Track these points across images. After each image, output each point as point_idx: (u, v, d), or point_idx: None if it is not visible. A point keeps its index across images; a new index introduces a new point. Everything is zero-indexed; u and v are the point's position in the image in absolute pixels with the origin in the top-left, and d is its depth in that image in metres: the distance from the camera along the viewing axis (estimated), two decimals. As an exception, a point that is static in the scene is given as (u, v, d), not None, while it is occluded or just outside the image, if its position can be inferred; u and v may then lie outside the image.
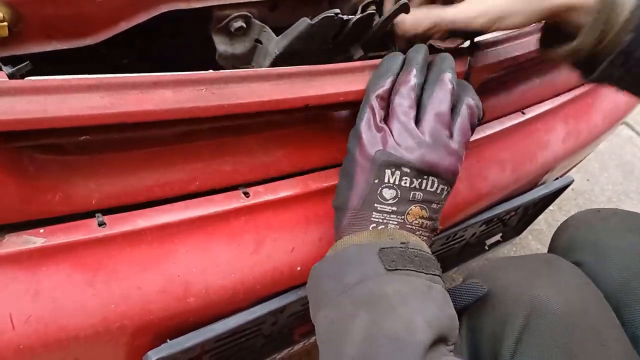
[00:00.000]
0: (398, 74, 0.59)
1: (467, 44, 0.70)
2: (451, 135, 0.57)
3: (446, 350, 0.49)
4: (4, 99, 0.42)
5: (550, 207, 1.07)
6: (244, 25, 0.63)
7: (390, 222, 0.56)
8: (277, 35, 0.63)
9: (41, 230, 0.51)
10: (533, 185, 0.95)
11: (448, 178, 0.57)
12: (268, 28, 0.64)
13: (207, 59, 0.66)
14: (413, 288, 0.50)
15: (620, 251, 0.68)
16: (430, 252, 0.56)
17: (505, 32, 0.73)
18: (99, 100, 0.46)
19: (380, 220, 0.56)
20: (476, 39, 0.71)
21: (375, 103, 0.57)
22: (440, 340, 0.48)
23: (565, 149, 0.94)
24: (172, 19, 0.58)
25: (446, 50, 0.67)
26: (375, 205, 0.56)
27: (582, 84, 1.00)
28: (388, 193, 0.55)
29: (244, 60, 0.67)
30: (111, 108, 0.46)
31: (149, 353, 0.56)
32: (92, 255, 0.52)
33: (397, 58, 0.60)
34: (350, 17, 0.63)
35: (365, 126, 0.57)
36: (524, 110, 0.90)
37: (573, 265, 0.67)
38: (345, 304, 0.51)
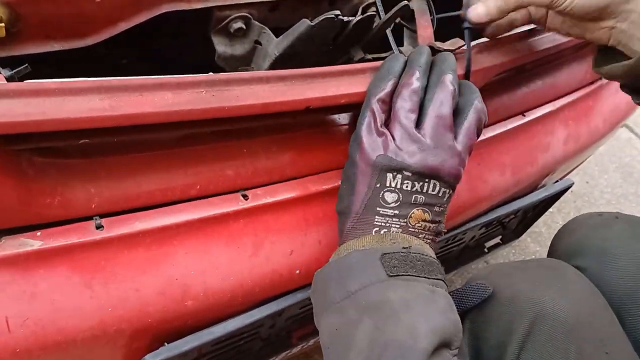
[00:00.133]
0: (399, 76, 0.58)
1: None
2: (455, 138, 0.57)
3: (449, 355, 0.49)
4: (2, 101, 0.42)
5: (550, 210, 1.07)
6: (244, 26, 0.63)
7: (393, 225, 0.55)
8: (276, 37, 0.63)
9: (38, 233, 0.50)
10: (533, 188, 0.95)
11: (450, 181, 0.57)
12: (268, 29, 0.64)
13: (207, 60, 0.66)
14: (416, 294, 0.50)
15: (624, 258, 0.67)
16: (433, 256, 0.56)
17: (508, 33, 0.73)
18: (99, 103, 0.45)
19: (383, 224, 0.55)
20: (476, 42, 0.71)
21: (375, 106, 0.57)
22: (443, 345, 0.48)
23: (566, 152, 0.94)
24: (173, 19, 0.58)
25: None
26: (378, 209, 0.55)
27: (584, 88, 1.00)
28: (390, 197, 0.55)
29: (244, 61, 0.67)
30: (111, 110, 0.46)
31: (147, 356, 0.55)
32: (90, 257, 0.52)
33: (398, 60, 0.60)
34: (350, 18, 0.63)
35: (366, 130, 0.56)
36: (525, 113, 0.90)
37: (578, 272, 0.67)
38: (348, 310, 0.51)
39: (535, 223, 1.10)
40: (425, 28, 0.70)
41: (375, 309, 0.49)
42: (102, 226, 0.53)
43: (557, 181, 1.02)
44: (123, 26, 0.56)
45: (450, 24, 0.70)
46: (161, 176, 0.56)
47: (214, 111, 0.51)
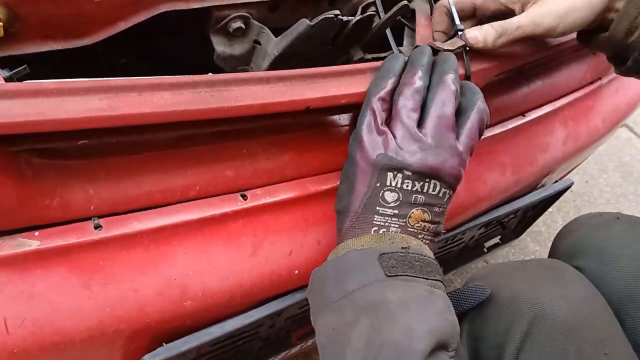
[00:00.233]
0: (400, 76, 0.58)
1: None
2: (457, 138, 0.57)
3: (446, 357, 0.49)
4: (1, 102, 0.42)
5: (549, 209, 1.07)
6: (243, 25, 0.63)
7: (392, 225, 0.55)
8: (276, 36, 0.62)
9: (36, 233, 0.50)
10: (533, 187, 0.95)
11: (450, 182, 0.57)
12: (267, 29, 0.63)
13: (206, 60, 0.65)
14: (413, 294, 0.50)
15: (625, 258, 0.67)
16: (432, 257, 0.55)
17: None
18: (97, 103, 0.45)
19: (382, 224, 0.55)
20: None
21: (376, 105, 0.56)
22: (440, 347, 0.48)
23: (565, 152, 0.94)
24: (171, 19, 0.58)
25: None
26: (377, 208, 0.55)
27: (583, 88, 0.99)
28: (390, 196, 0.55)
29: (243, 61, 0.67)
30: (109, 110, 0.45)
31: (145, 357, 0.55)
32: (88, 258, 0.52)
33: (398, 59, 0.59)
34: (350, 18, 0.63)
35: (366, 129, 0.56)
36: (525, 113, 0.89)
37: (578, 272, 0.67)
38: (345, 310, 0.51)
39: (535, 222, 1.10)
40: (425, 27, 0.70)
41: (373, 309, 0.49)
42: (101, 226, 0.53)
43: (556, 181, 1.02)
44: (122, 26, 0.56)
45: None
46: (160, 177, 0.56)
47: (213, 111, 0.51)
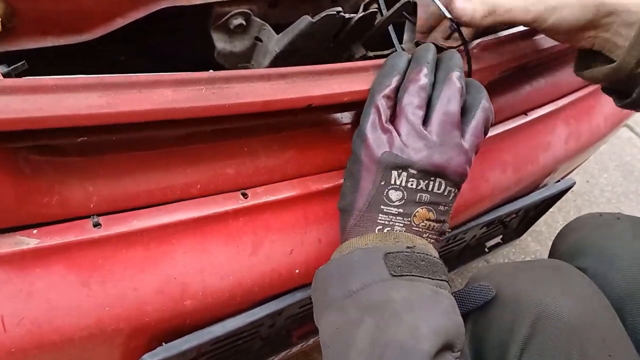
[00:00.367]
0: (404, 73, 0.58)
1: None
2: (463, 136, 0.56)
3: (452, 357, 0.48)
4: (-1, 98, 0.41)
5: (550, 209, 1.07)
6: (244, 22, 0.62)
7: (397, 224, 0.55)
8: (277, 33, 0.62)
9: (34, 231, 0.50)
10: (534, 187, 0.94)
11: (455, 180, 0.56)
12: (268, 26, 0.63)
13: (207, 56, 0.65)
14: (419, 294, 0.50)
15: (626, 258, 0.67)
16: (437, 256, 0.55)
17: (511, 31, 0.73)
18: (97, 100, 0.45)
19: (387, 222, 0.55)
20: (478, 40, 0.70)
21: (381, 102, 0.56)
22: (446, 347, 0.48)
23: (567, 151, 0.94)
24: (171, 15, 0.57)
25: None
26: (382, 207, 0.55)
27: (585, 87, 0.99)
28: (394, 195, 0.55)
29: (244, 58, 0.66)
30: (109, 107, 0.45)
31: (145, 356, 0.55)
32: (87, 256, 0.51)
33: (402, 56, 0.59)
34: (352, 15, 0.63)
35: (371, 127, 0.56)
36: (527, 112, 0.89)
37: (581, 273, 0.67)
38: (350, 309, 0.50)
39: (536, 222, 1.09)
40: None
41: (378, 308, 0.49)
42: (100, 224, 0.52)
43: (558, 181, 1.01)
44: (121, 22, 0.55)
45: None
46: (160, 175, 0.55)
47: (214, 109, 0.50)
